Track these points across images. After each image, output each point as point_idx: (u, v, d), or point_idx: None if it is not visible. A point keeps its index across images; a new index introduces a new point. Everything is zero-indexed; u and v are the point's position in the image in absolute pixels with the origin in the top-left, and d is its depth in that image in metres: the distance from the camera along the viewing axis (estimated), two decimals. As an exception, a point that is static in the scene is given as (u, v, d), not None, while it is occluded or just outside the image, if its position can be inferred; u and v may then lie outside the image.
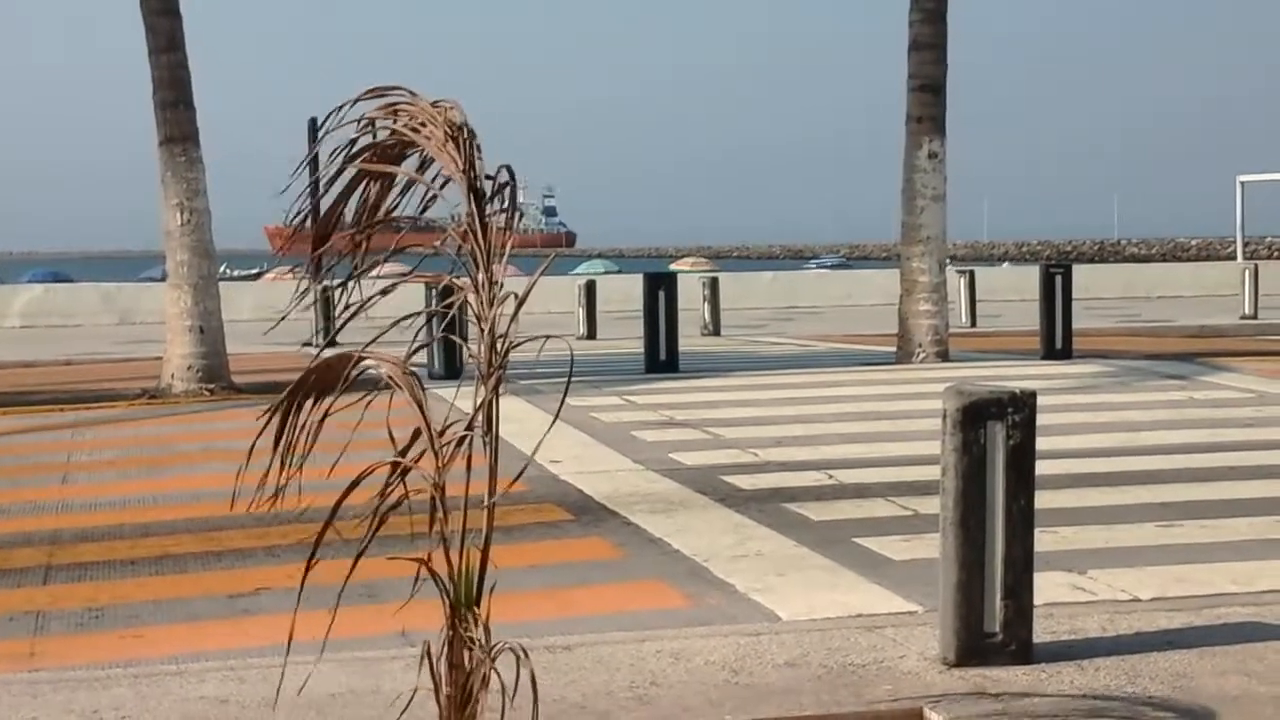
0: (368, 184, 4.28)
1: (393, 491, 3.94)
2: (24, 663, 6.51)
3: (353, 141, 4.26)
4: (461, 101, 4.18)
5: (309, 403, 4.11)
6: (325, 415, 4.03)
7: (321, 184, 4.29)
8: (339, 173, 4.25)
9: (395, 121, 4.21)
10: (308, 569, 3.95)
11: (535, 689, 3.98)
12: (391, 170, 4.24)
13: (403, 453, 3.94)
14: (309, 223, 4.31)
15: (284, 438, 4.10)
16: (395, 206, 4.26)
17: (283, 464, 4.08)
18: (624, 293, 33.19)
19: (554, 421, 4.56)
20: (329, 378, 4.10)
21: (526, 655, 4.02)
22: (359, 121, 4.24)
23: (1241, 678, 5.72)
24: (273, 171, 4.43)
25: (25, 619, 7.36)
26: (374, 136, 4.26)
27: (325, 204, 4.34)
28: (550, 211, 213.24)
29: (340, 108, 4.23)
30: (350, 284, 4.22)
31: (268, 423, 4.11)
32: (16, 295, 37.54)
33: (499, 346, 3.99)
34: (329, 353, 4.15)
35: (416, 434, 3.95)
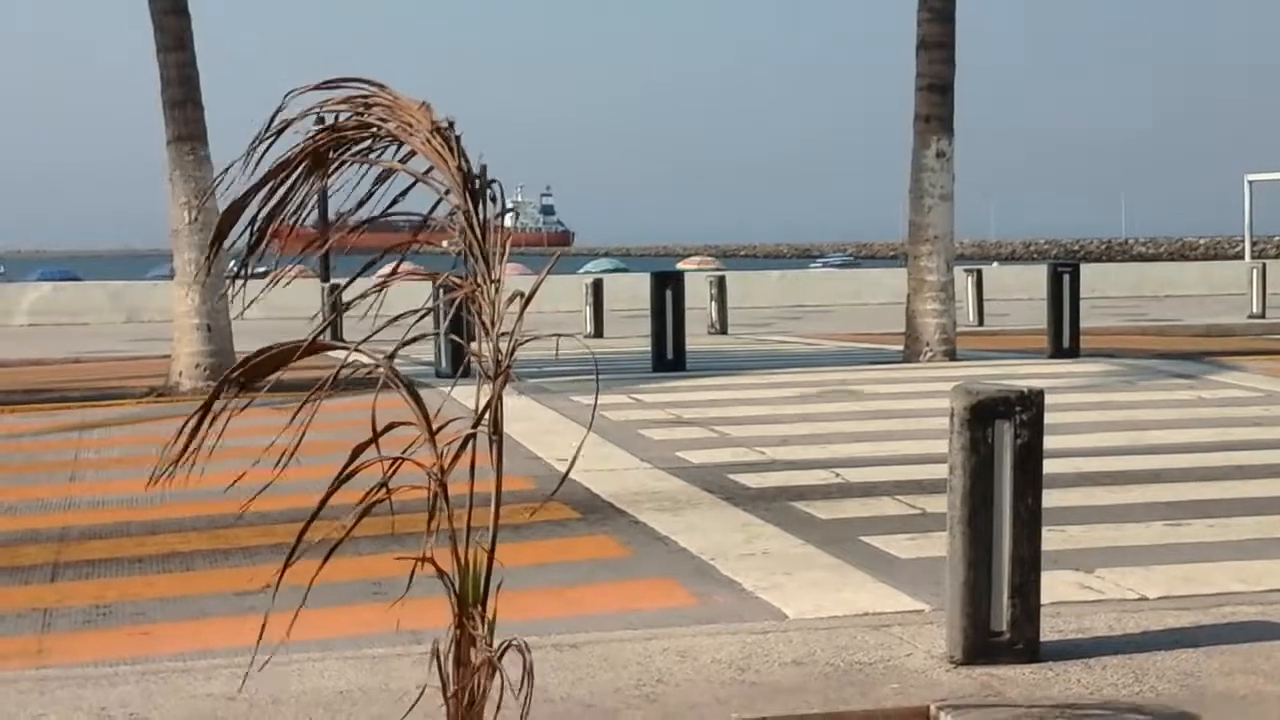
0: (308, 172, 4.14)
1: (382, 486, 3.91)
2: (32, 660, 6.53)
3: (286, 123, 4.09)
4: (429, 100, 4.07)
5: (228, 393, 4.05)
6: (303, 407, 3.99)
7: (256, 157, 4.09)
8: (287, 163, 4.12)
9: (368, 114, 4.11)
10: (284, 567, 3.93)
11: (531, 681, 3.98)
12: (398, 166, 4.19)
13: (363, 448, 3.88)
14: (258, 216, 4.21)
15: (199, 426, 4.05)
16: (367, 198, 4.16)
17: (187, 453, 4.03)
18: (631, 291, 33.19)
19: (586, 434, 4.55)
20: (268, 366, 4.06)
21: (528, 650, 4.03)
22: (335, 116, 4.12)
23: (1249, 677, 5.72)
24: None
25: (33, 616, 7.38)
26: (335, 126, 4.10)
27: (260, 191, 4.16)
28: (548, 210, 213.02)
29: (287, 96, 4.08)
30: (350, 282, 4.19)
31: (187, 418, 4.08)
32: (25, 293, 37.61)
33: (504, 345, 3.98)
34: (337, 354, 4.13)
35: (389, 427, 3.91)
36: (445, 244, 4.11)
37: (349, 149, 4.16)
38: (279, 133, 4.13)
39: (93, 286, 40.52)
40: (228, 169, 4.16)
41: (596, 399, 4.13)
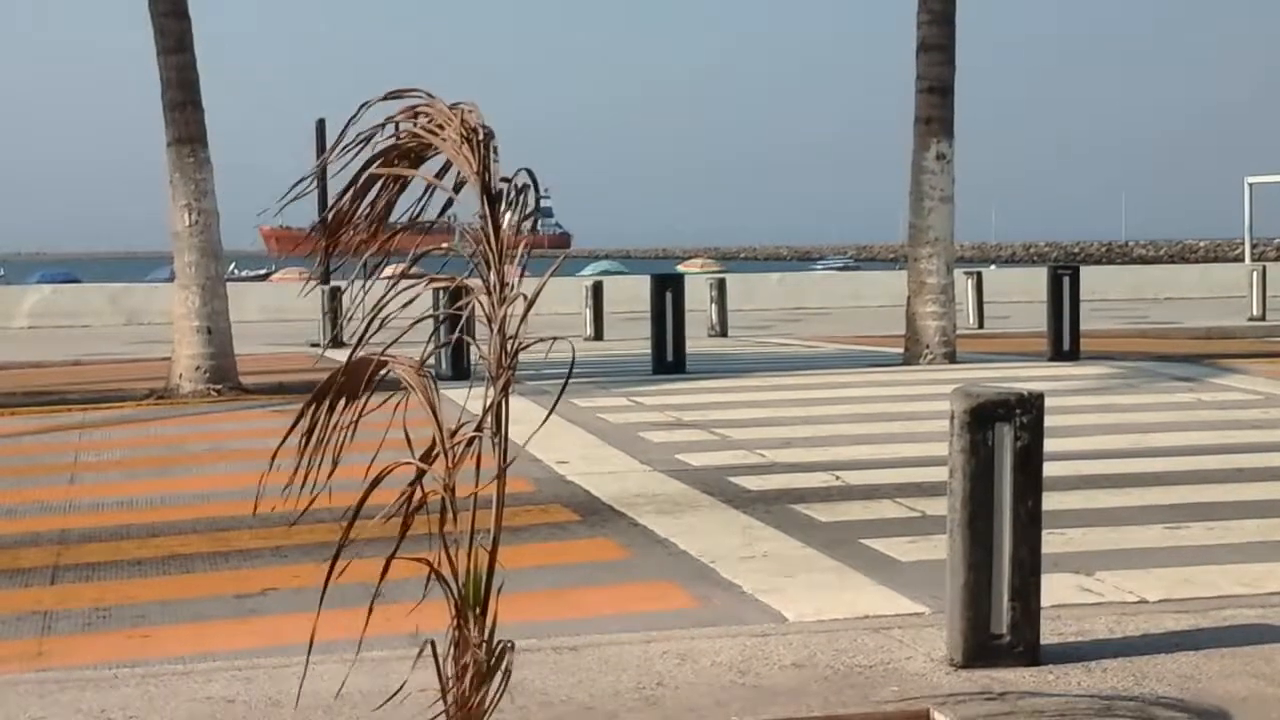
0: (383, 185, 4.29)
1: (412, 493, 3.95)
2: (32, 662, 6.52)
3: (367, 140, 4.26)
4: (477, 104, 4.19)
5: (339, 404, 4.11)
6: (358, 417, 4.03)
7: (335, 183, 4.29)
8: (363, 175, 4.25)
9: (415, 123, 4.21)
10: (330, 572, 3.95)
11: (509, 675, 4.00)
12: (408, 173, 4.26)
13: (424, 456, 3.95)
14: (323, 223, 4.32)
15: (313, 439, 4.10)
16: (419, 210, 4.27)
17: (307, 466, 4.08)
18: (631, 294, 33.18)
19: (548, 415, 4.54)
20: (354, 380, 4.11)
21: (513, 648, 4.03)
22: (382, 126, 4.25)
23: (1249, 679, 5.72)
24: (267, 171, 4.49)
25: (33, 619, 7.38)
26: (398, 138, 4.26)
27: (340, 205, 4.34)
28: (546, 213, 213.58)
29: (360, 108, 4.24)
30: (358, 285, 4.22)
31: (295, 424, 4.12)
32: (25, 296, 37.59)
33: (509, 348, 4.00)
34: (339, 356, 4.16)
35: (431, 447, 3.96)
36: (448, 245, 4.14)
37: (408, 158, 4.27)
38: (370, 159, 4.28)
39: (93, 289, 40.53)
40: (304, 179, 4.33)
41: (560, 395, 4.24)
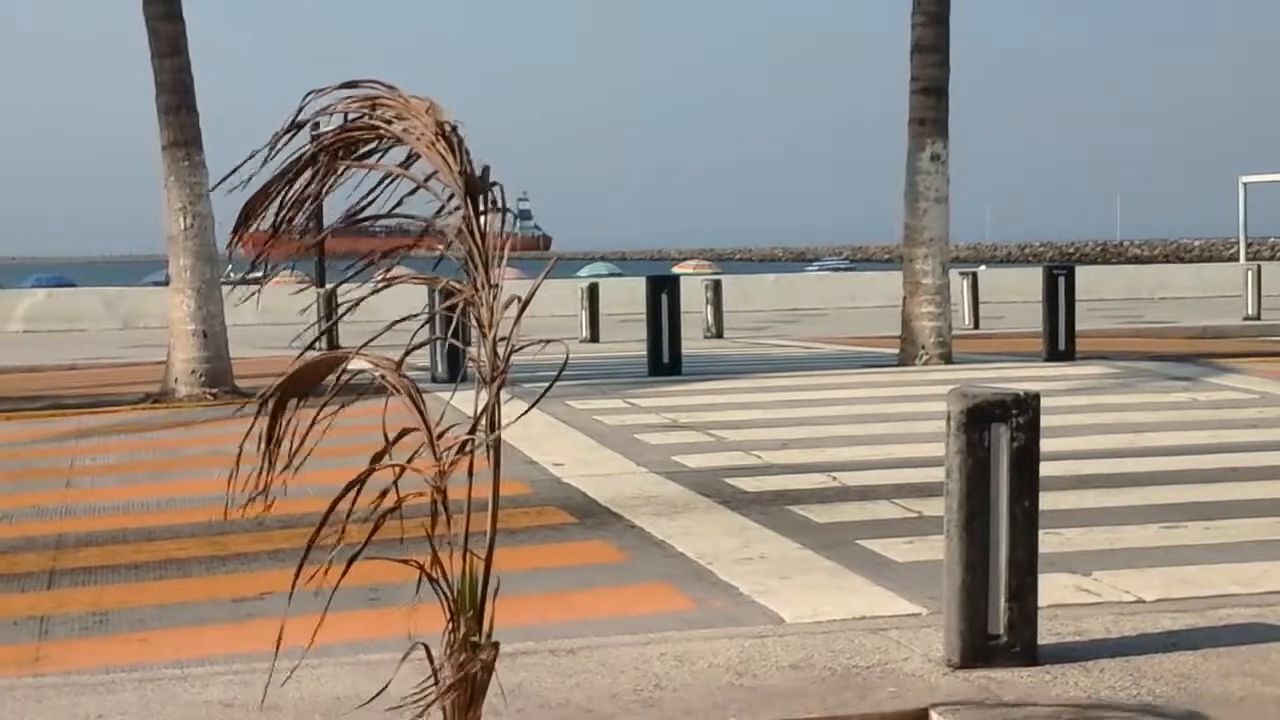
0: (314, 176, 4.15)
1: (389, 494, 3.92)
2: (29, 667, 6.51)
3: (298, 127, 4.12)
4: (439, 99, 4.10)
5: (293, 404, 4.07)
6: (315, 418, 4.00)
7: (264, 162, 4.12)
8: (304, 161, 4.12)
9: (373, 115, 4.13)
10: (298, 574, 3.95)
11: (500, 684, 3.99)
12: (369, 165, 4.15)
13: (380, 455, 3.90)
14: (270, 220, 4.23)
15: (270, 439, 4.07)
16: (369, 204, 4.16)
17: (270, 467, 4.05)
18: (627, 296, 33.20)
19: (527, 410, 4.40)
20: (311, 378, 4.07)
21: (497, 648, 4.03)
22: (328, 112, 4.15)
23: (1246, 679, 5.72)
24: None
25: (30, 623, 7.37)
26: (346, 128, 4.11)
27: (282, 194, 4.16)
28: (525, 215, 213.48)
29: (307, 96, 4.11)
30: (326, 287, 4.19)
31: (254, 424, 4.10)
32: (20, 300, 37.58)
33: (501, 350, 3.98)
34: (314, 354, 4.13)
35: (402, 434, 3.92)
36: (443, 249, 4.10)
37: (357, 149, 4.16)
38: (299, 128, 4.16)
39: (88, 292, 40.50)
40: (241, 165, 4.19)
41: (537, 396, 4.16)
